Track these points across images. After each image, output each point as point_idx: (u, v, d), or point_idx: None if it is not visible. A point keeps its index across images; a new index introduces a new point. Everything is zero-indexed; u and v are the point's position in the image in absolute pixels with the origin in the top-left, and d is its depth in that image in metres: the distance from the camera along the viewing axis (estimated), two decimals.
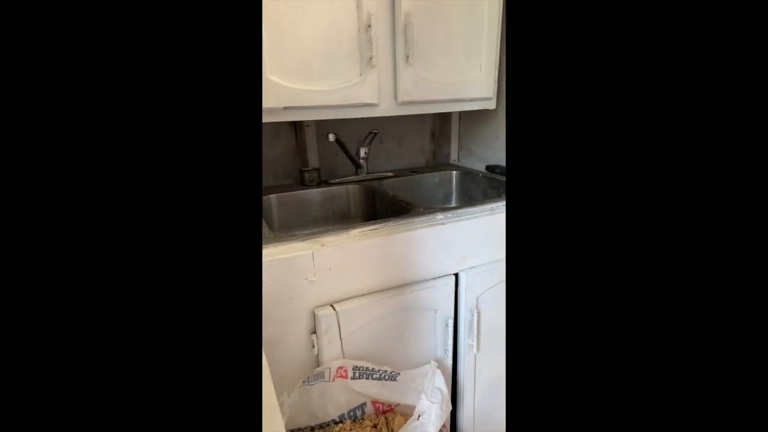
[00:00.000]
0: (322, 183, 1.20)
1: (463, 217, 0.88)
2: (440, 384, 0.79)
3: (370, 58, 0.94)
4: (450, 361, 0.94)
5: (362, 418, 0.83)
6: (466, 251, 0.89)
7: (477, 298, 0.92)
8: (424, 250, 0.85)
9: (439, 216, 0.88)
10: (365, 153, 1.25)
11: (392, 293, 0.82)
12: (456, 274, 0.89)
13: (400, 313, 0.84)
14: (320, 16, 0.87)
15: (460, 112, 1.40)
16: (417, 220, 0.85)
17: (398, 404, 0.83)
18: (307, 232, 1.03)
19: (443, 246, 0.86)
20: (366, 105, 0.98)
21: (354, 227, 0.81)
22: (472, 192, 1.29)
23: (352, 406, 0.82)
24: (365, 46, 0.93)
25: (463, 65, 1.07)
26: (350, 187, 1.21)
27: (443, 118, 1.45)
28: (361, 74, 0.95)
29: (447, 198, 1.35)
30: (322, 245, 0.75)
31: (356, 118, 1.15)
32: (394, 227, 0.82)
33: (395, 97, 1.01)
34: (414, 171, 1.36)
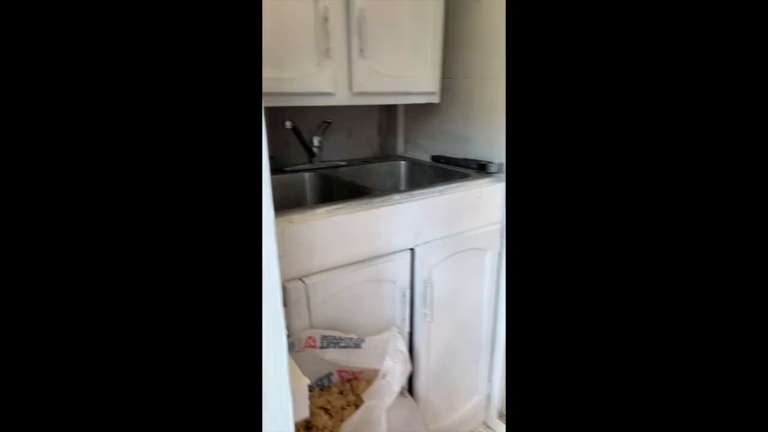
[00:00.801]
0: (276, 171, 1.23)
1: (416, 198, 0.97)
2: (401, 346, 0.88)
3: (327, 50, 1.00)
4: (407, 329, 1.03)
5: (329, 387, 0.89)
6: (420, 228, 0.98)
7: (430, 271, 1.02)
8: (384, 227, 0.92)
9: (396, 197, 0.96)
10: (318, 142, 1.29)
11: (356, 267, 0.89)
12: (412, 249, 0.98)
13: (363, 285, 0.91)
14: (279, 5, 0.91)
15: (405, 107, 1.50)
16: (377, 200, 0.93)
17: (363, 370, 0.90)
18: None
19: (400, 223, 0.95)
20: (323, 94, 1.04)
21: (320, 207, 0.86)
22: (420, 180, 1.39)
23: (320, 375, 0.87)
24: (322, 38, 0.98)
25: (411, 61, 1.17)
26: (306, 174, 1.25)
27: (390, 113, 1.54)
28: (318, 64, 1.00)
29: (396, 185, 1.45)
30: (290, 222, 0.79)
31: (310, 108, 1.20)
32: (357, 206, 0.89)
33: (350, 87, 1.07)
34: (365, 161, 1.43)
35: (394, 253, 0.95)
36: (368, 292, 0.93)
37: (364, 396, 0.81)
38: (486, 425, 1.36)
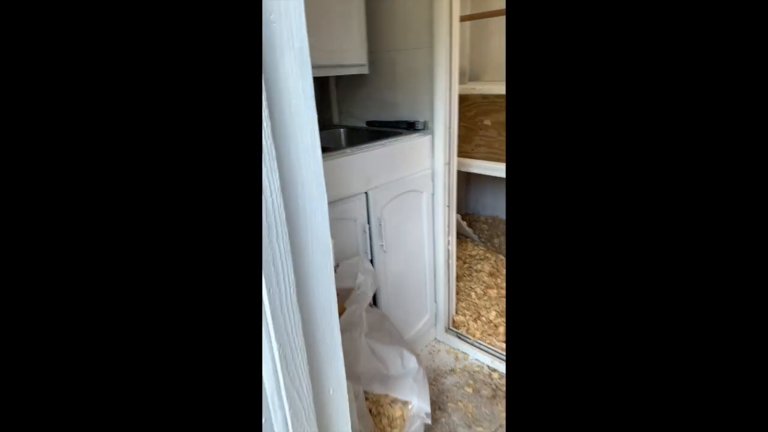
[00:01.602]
0: None
1: (364, 150, 1.18)
2: (368, 265, 1.10)
3: None
4: (369, 258, 1.25)
5: None
6: (370, 175, 1.20)
7: (381, 210, 1.25)
8: (342, 176, 1.12)
9: (348, 151, 1.16)
10: None
11: None
12: (366, 193, 1.20)
13: (333, 223, 1.11)
14: None
15: (336, 80, 1.68)
16: (333, 153, 1.12)
17: (340, 291, 1.10)
18: None
19: (354, 172, 1.15)
20: None
21: None
22: (359, 142, 1.60)
23: None
24: None
25: (341, 36, 1.35)
26: None
27: (322, 86, 1.71)
28: None
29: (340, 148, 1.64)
30: None
31: None
32: None
33: None
34: None
35: (353, 196, 1.16)
36: (336, 228, 1.13)
37: (346, 304, 1.02)
38: (437, 340, 1.66)
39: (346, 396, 0.66)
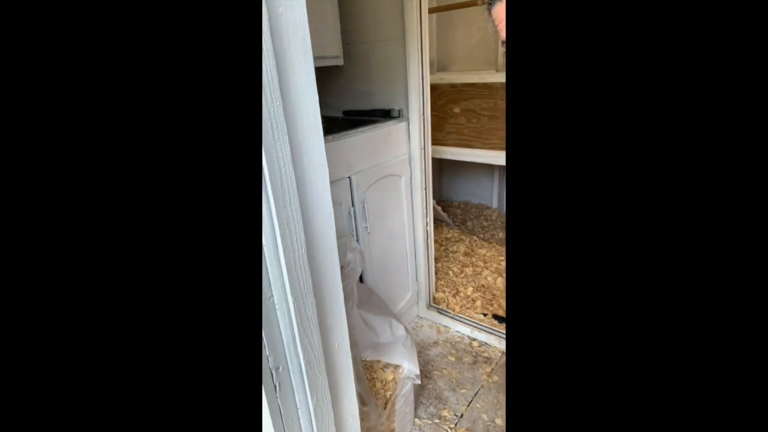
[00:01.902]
0: None
1: (345, 137, 1.25)
2: (355, 244, 1.17)
3: None
4: (355, 239, 1.32)
5: None
6: (352, 161, 1.27)
7: (364, 194, 1.32)
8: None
9: (329, 137, 1.22)
10: None
11: None
12: (349, 177, 1.27)
13: None
14: None
15: None
16: None
17: None
18: None
19: (337, 157, 1.22)
20: None
21: None
22: (338, 131, 1.66)
23: None
24: None
25: (316, 29, 1.40)
26: None
27: None
28: None
29: None
30: None
31: None
32: None
33: None
34: None
35: (337, 180, 1.23)
36: None
37: None
38: (419, 317, 1.76)
39: (349, 351, 0.74)
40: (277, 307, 0.55)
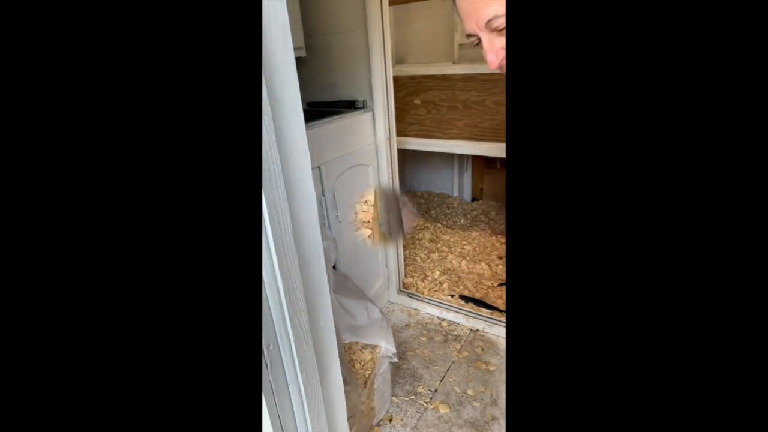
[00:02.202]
0: None
1: (313, 127, 1.27)
2: (329, 233, 1.20)
3: None
4: (327, 229, 1.35)
5: None
6: (321, 150, 1.29)
7: (334, 183, 1.35)
8: None
9: None
10: None
11: None
12: (318, 167, 1.29)
13: None
14: None
15: None
16: None
17: None
18: None
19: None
20: None
21: None
22: (305, 122, 1.67)
23: None
24: None
25: None
26: None
27: None
28: None
29: None
30: None
31: None
32: None
33: None
34: None
35: None
36: None
37: None
38: (390, 302, 1.81)
39: (333, 329, 0.77)
40: (266, 286, 0.58)
